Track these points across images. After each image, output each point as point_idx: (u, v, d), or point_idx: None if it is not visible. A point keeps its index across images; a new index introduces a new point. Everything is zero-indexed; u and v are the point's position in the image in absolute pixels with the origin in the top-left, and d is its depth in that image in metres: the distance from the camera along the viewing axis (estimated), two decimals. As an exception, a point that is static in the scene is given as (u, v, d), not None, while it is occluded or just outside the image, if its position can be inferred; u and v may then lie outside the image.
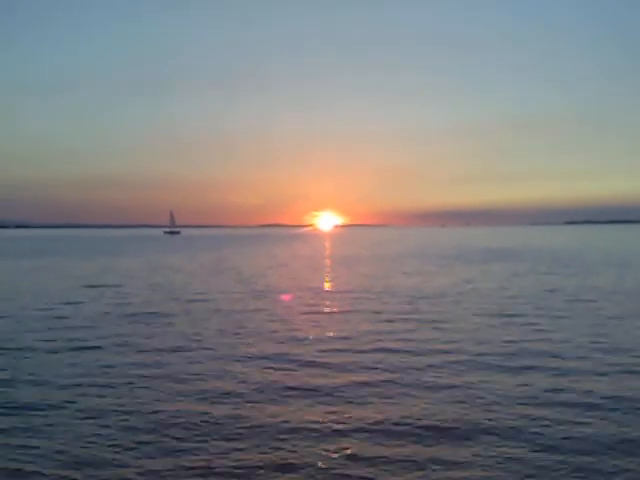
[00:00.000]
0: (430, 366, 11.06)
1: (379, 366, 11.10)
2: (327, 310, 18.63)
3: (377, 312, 17.88)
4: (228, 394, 9.41)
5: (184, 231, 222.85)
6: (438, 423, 8.01)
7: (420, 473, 6.56)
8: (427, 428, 7.85)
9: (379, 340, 13.53)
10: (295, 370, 10.91)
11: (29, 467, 6.80)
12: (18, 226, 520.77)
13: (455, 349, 12.49)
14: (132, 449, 7.25)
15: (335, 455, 7.05)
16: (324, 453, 7.11)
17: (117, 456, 7.04)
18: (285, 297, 22.04)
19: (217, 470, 6.67)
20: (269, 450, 7.19)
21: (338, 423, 8.06)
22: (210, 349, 12.76)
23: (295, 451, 7.17)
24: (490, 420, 8.09)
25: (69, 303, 20.36)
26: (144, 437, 7.63)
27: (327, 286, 26.45)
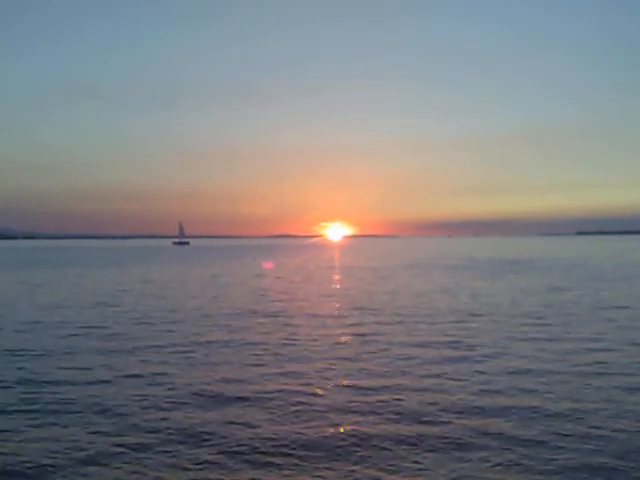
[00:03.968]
0: (486, 391, 10.18)
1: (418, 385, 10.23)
2: (351, 329, 17.74)
3: (403, 333, 17.00)
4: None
5: (193, 241, 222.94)
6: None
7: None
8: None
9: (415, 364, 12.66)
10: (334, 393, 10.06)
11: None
12: (26, 237, 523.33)
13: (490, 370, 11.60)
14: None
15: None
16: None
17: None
18: (315, 313, 21.19)
19: None
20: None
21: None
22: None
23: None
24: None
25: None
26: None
27: (343, 301, 25.49)
